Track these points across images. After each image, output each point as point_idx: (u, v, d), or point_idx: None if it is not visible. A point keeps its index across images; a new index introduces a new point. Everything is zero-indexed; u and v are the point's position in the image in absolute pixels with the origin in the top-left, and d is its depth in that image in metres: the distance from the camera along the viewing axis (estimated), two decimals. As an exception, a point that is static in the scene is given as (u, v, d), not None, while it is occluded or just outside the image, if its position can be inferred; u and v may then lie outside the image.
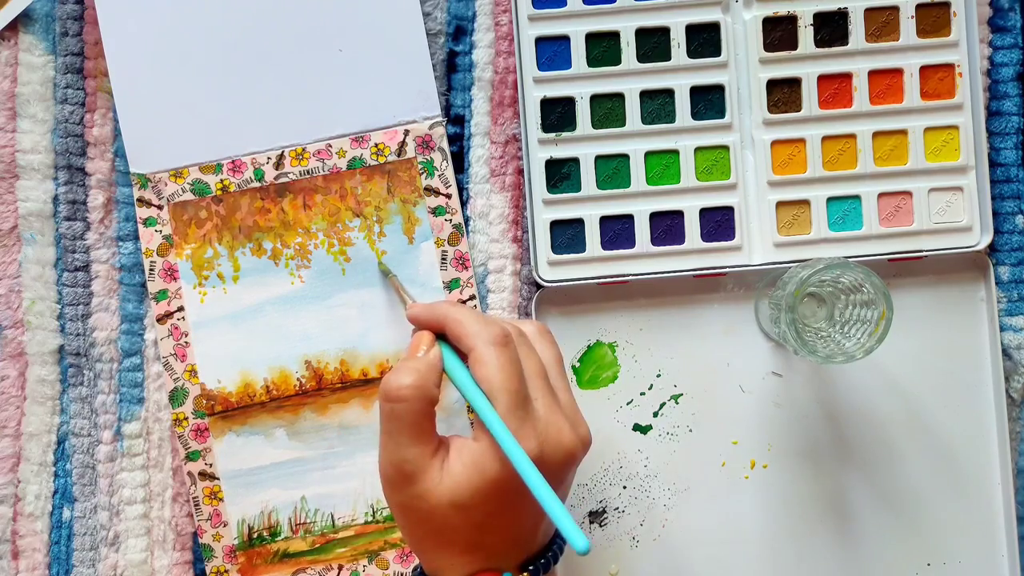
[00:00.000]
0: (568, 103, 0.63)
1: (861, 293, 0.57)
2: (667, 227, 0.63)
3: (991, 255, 0.63)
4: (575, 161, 0.63)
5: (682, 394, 0.64)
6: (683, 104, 0.63)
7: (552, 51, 0.63)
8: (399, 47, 0.63)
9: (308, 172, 0.64)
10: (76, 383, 0.64)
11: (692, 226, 0.63)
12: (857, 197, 0.63)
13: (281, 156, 0.64)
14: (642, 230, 0.63)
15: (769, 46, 0.63)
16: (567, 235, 0.63)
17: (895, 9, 0.62)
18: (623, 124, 0.63)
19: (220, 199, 0.64)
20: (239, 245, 0.64)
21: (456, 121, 0.64)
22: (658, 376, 0.64)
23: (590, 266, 0.63)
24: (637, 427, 0.64)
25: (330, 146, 0.64)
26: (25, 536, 0.64)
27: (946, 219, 0.63)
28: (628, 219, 0.63)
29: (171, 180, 0.64)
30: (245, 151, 0.64)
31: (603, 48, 0.63)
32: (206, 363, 0.64)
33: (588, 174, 0.63)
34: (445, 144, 0.64)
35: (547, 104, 0.63)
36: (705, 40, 0.63)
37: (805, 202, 0.63)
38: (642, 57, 0.63)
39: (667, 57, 0.63)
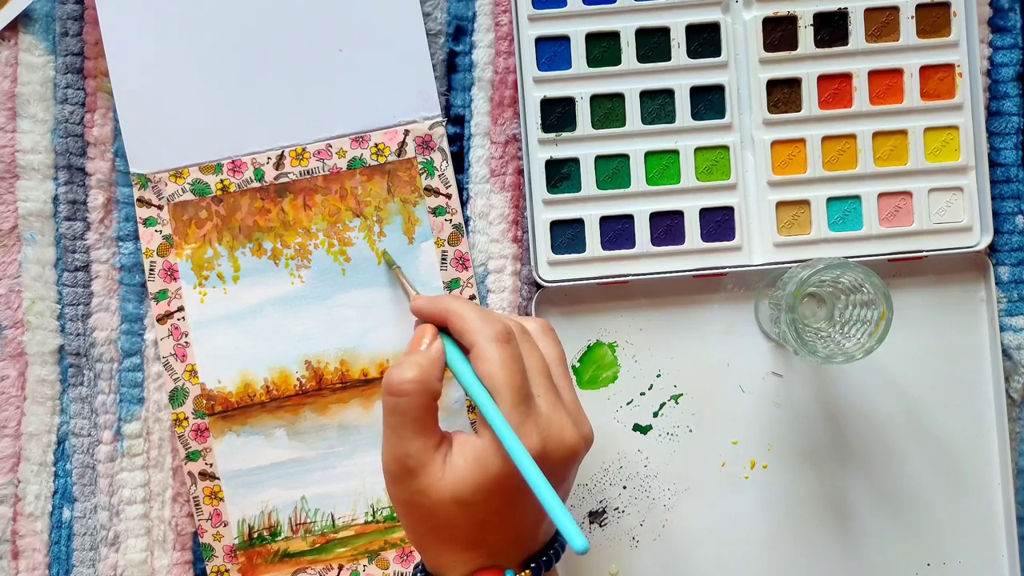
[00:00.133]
0: (568, 103, 0.63)
1: (861, 293, 0.57)
2: (667, 227, 0.63)
3: (991, 255, 0.63)
4: (575, 161, 0.63)
5: (682, 394, 0.64)
6: (683, 104, 0.63)
7: (552, 51, 0.63)
8: (399, 47, 0.64)
9: (308, 172, 0.64)
10: (76, 383, 0.64)
11: (692, 226, 0.63)
12: (857, 197, 0.63)
13: (281, 156, 0.64)
14: (642, 230, 0.63)
15: (769, 46, 0.63)
16: (567, 235, 0.63)
17: (895, 9, 0.62)
18: (623, 124, 0.63)
19: (220, 199, 0.64)
20: (239, 245, 0.64)
21: (456, 121, 0.64)
22: (658, 376, 0.64)
23: (590, 266, 0.63)
24: (637, 427, 0.64)
25: (330, 146, 0.64)
26: (25, 536, 0.64)
27: (946, 219, 0.63)
28: (628, 219, 0.63)
29: (171, 180, 0.64)
30: (245, 151, 0.64)
31: (603, 48, 0.63)
32: (206, 363, 0.64)
33: (588, 174, 0.63)
34: (445, 144, 0.64)
35: (547, 104, 0.63)
36: (705, 40, 0.63)
37: (805, 202, 0.63)
38: (642, 57, 0.63)
39: (667, 57, 0.63)
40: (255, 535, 0.64)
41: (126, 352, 0.64)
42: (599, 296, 0.64)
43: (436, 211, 0.64)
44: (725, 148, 0.63)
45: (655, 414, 0.64)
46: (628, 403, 0.64)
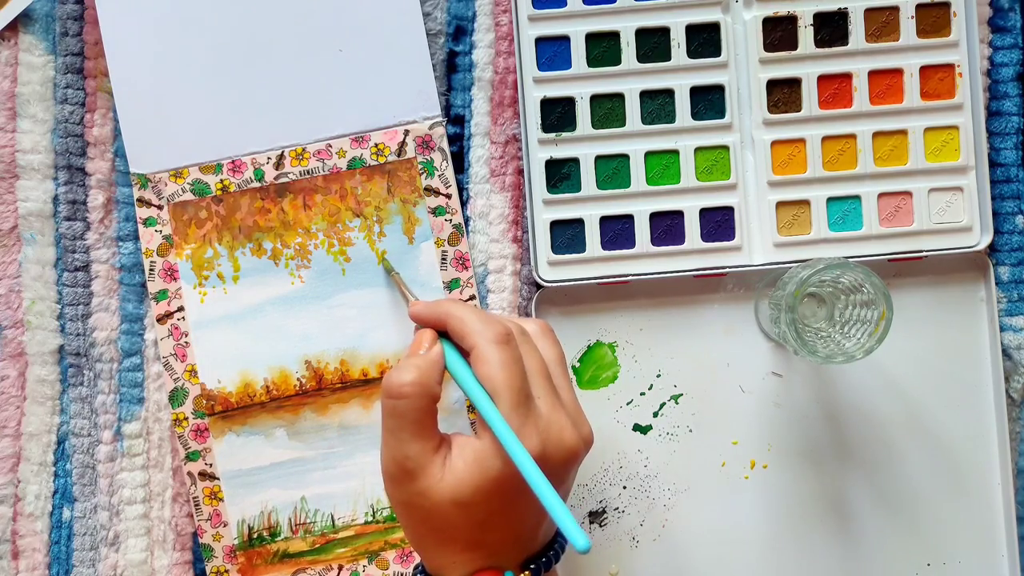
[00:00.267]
0: (568, 103, 0.63)
1: (861, 293, 0.57)
2: (667, 227, 0.63)
3: (991, 255, 0.63)
4: (575, 161, 0.63)
5: (682, 394, 0.64)
6: (683, 104, 0.63)
7: (552, 51, 0.63)
8: (399, 47, 0.64)
9: (308, 172, 0.64)
10: (76, 383, 0.64)
11: (692, 226, 0.63)
12: (857, 197, 0.63)
13: (281, 156, 0.64)
14: (642, 230, 0.63)
15: (769, 46, 0.63)
16: (567, 235, 0.63)
17: (895, 9, 0.62)
18: (623, 124, 0.63)
19: (220, 199, 0.64)
20: (239, 245, 0.64)
21: (456, 121, 0.64)
22: (658, 376, 0.64)
23: (590, 266, 0.63)
24: (637, 427, 0.64)
25: (330, 146, 0.64)
26: (25, 536, 0.64)
27: (946, 219, 0.63)
28: (628, 219, 0.63)
29: (171, 180, 0.64)
30: (245, 151, 0.64)
31: (603, 48, 0.63)
32: (206, 363, 0.64)
33: (588, 174, 0.63)
34: (445, 144, 0.64)
35: (547, 104, 0.63)
36: (705, 40, 0.63)
37: (805, 202, 0.63)
38: (642, 57, 0.63)
39: (667, 57, 0.63)
40: (255, 535, 0.64)
41: (126, 352, 0.64)
42: (599, 296, 0.64)
43: (436, 211, 0.64)
44: (725, 148, 0.63)
45: (655, 414, 0.64)
46: (628, 403, 0.64)
